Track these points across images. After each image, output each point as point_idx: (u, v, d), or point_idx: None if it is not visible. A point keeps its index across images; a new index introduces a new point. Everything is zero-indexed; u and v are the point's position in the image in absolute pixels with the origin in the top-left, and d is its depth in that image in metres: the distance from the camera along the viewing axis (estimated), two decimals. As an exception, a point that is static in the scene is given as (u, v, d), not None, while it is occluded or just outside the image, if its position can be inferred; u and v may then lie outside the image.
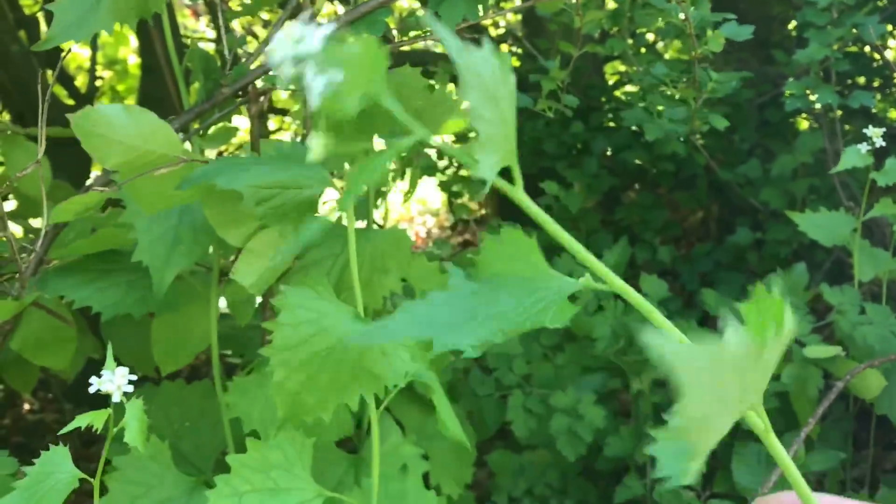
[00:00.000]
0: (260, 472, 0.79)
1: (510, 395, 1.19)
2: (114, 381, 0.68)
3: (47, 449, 0.71)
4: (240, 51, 1.04)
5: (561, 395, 1.15)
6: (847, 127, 1.57)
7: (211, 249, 0.91)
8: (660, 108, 1.24)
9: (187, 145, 0.93)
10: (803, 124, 1.89)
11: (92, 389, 0.68)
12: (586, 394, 1.16)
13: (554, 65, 1.22)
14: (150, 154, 0.75)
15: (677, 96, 1.24)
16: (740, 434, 1.09)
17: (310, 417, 0.72)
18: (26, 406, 1.83)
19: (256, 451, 0.80)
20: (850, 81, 1.61)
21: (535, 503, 1.20)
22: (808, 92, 1.30)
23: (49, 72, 1.64)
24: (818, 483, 1.21)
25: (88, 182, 0.95)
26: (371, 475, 0.81)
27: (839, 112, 1.44)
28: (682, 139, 1.50)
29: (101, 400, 0.69)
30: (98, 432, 0.69)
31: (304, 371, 0.70)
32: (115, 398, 0.68)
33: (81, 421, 0.68)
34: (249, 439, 0.81)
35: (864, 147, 1.07)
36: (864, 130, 1.09)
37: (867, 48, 1.74)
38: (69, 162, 1.45)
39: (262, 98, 0.85)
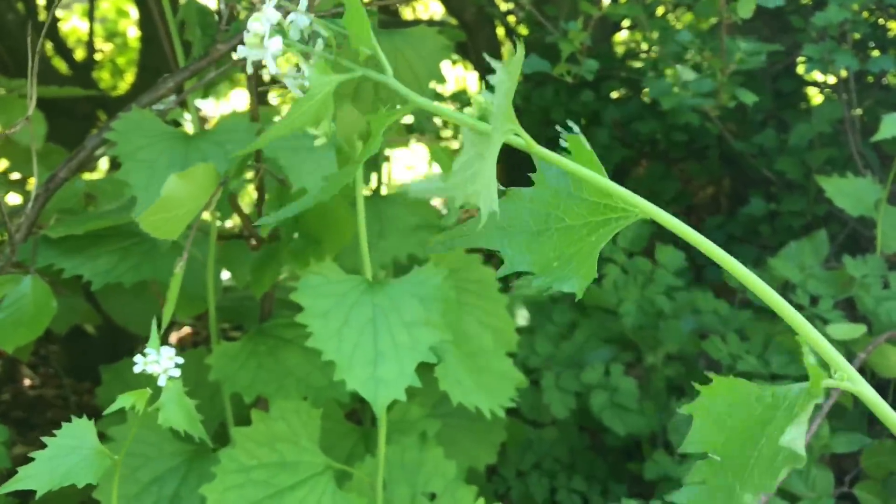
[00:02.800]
0: (265, 445, 0.77)
1: (542, 377, 1.15)
2: (160, 361, 0.63)
3: (48, 424, 0.67)
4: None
5: (591, 371, 1.12)
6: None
7: (208, 214, 0.88)
8: (689, 77, 1.17)
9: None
10: (815, 99, 1.85)
11: (137, 369, 0.63)
12: (600, 366, 1.12)
13: (576, 26, 1.17)
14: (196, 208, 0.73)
15: (704, 65, 1.18)
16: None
17: (398, 393, 0.68)
18: (26, 381, 1.81)
19: (261, 423, 0.77)
20: (866, 52, 1.57)
21: (543, 478, 1.17)
22: (825, 56, 1.25)
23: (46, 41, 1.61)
24: (833, 461, 1.18)
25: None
26: (385, 446, 0.78)
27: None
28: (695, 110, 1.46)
29: (113, 382, 0.65)
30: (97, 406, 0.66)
31: (362, 348, 0.67)
32: (161, 382, 0.62)
33: (124, 401, 0.63)
34: (254, 410, 0.78)
35: None
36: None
37: (881, 20, 1.69)
38: (65, 127, 1.42)
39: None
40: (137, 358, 0.62)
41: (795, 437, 0.35)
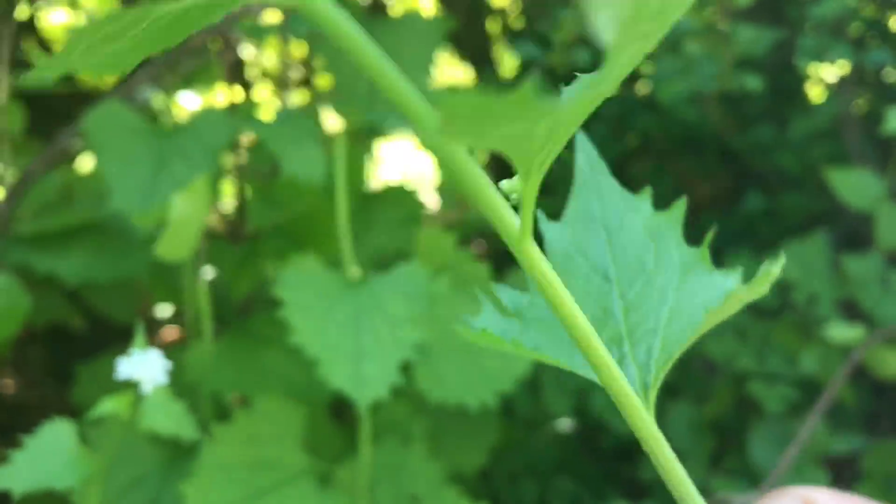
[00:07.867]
0: (248, 443, 0.74)
1: (543, 375, 1.12)
2: (145, 366, 0.56)
3: (32, 428, 0.64)
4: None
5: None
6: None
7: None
8: (696, 51, 1.13)
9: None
10: (815, 94, 1.83)
11: (120, 376, 0.56)
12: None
13: (568, 14, 1.14)
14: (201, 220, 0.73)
15: (705, 50, 1.15)
16: (756, 412, 1.03)
17: (382, 391, 0.66)
18: (8, 385, 1.78)
19: (244, 421, 0.75)
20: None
21: (535, 479, 1.14)
22: (821, 49, 1.23)
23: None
24: (830, 466, 1.16)
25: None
26: (370, 446, 0.76)
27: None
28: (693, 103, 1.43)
29: (88, 381, 0.62)
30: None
31: (345, 344, 0.65)
32: (146, 389, 0.56)
33: (105, 408, 0.57)
34: (237, 409, 0.76)
35: None
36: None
37: (884, 13, 1.67)
38: (47, 124, 1.40)
39: (235, 45, 0.79)
40: (120, 360, 0.56)
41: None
